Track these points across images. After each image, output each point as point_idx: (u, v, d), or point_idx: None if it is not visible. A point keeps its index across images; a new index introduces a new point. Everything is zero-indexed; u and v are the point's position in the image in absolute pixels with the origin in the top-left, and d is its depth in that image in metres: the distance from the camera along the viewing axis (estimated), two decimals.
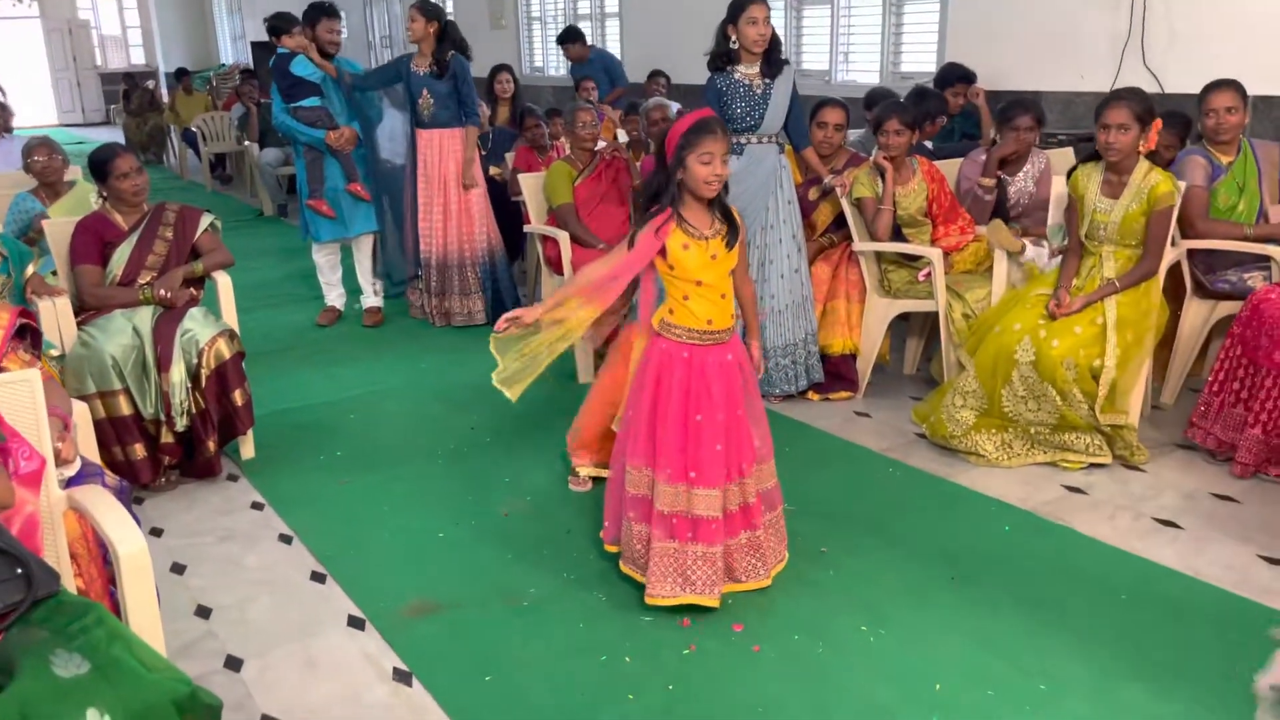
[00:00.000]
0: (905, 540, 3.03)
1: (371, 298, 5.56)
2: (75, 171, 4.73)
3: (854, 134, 4.82)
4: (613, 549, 2.88)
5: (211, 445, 3.43)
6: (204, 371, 3.35)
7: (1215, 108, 3.73)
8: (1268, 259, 3.69)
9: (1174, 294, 3.99)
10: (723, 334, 2.65)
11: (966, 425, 3.51)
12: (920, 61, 6.30)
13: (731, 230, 2.62)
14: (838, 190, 4.12)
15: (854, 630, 2.59)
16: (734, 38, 3.83)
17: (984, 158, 4.25)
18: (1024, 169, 4.27)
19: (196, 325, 3.41)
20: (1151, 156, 3.39)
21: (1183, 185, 3.70)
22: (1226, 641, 2.50)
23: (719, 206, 2.64)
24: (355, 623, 2.71)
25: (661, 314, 2.70)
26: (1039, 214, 4.12)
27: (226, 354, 3.39)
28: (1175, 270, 3.91)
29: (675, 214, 2.58)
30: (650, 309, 2.74)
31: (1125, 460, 3.47)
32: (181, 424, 3.36)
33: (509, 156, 5.94)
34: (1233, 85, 3.72)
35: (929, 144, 4.88)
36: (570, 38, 7.76)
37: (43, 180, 4.38)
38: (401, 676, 2.47)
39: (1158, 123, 3.32)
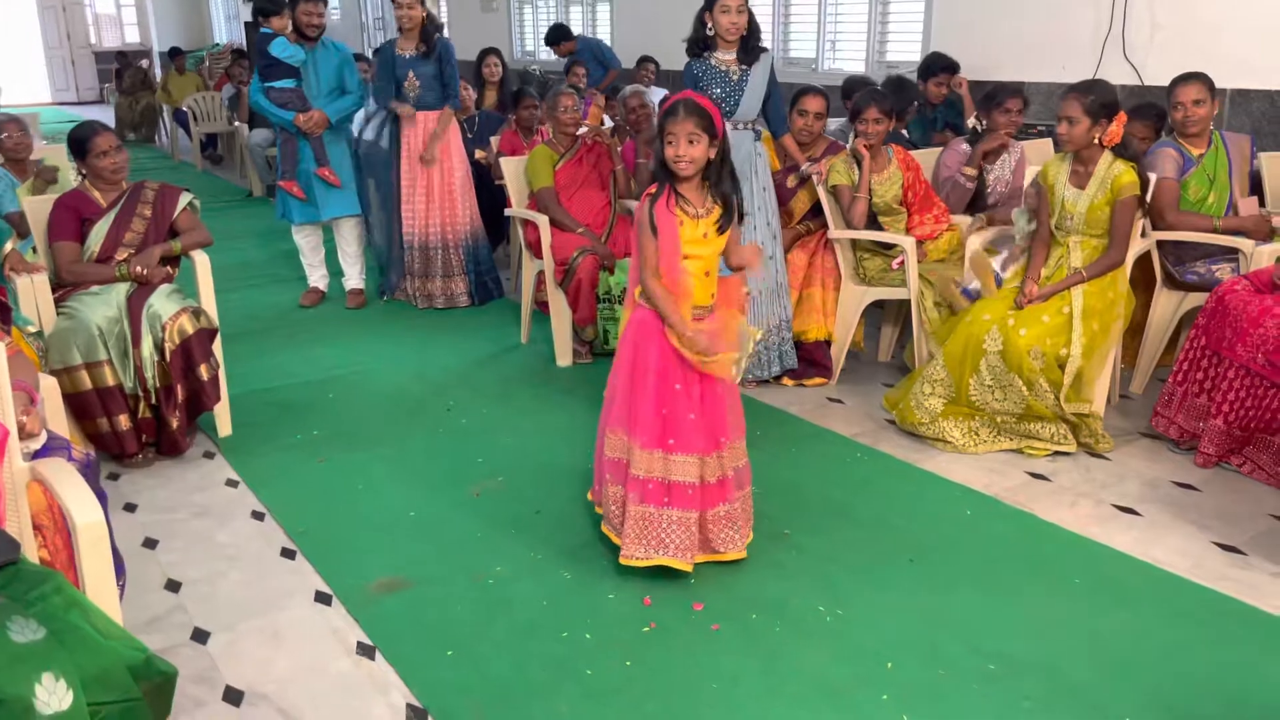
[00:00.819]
0: (867, 523, 3.08)
1: (354, 280, 5.59)
2: (43, 149, 4.77)
3: (834, 123, 4.85)
4: (599, 508, 2.95)
5: (175, 421, 3.46)
6: (168, 346, 3.39)
7: (1183, 100, 3.77)
8: (1236, 251, 3.73)
9: (1145, 284, 4.04)
10: (701, 310, 2.72)
11: (934, 413, 3.56)
12: (905, 51, 6.32)
13: (725, 214, 2.69)
14: (814, 178, 4.15)
15: (812, 610, 2.64)
16: (710, 24, 3.85)
17: (964, 147, 4.28)
18: (1002, 157, 4.30)
19: (159, 301, 3.44)
20: (1124, 148, 3.42)
21: (1153, 177, 3.74)
22: (1178, 628, 2.55)
23: (718, 189, 2.70)
24: (322, 598, 2.75)
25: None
26: (1014, 203, 4.16)
27: (190, 329, 3.42)
28: (1146, 261, 3.96)
29: (672, 190, 2.66)
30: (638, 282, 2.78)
31: (1090, 449, 3.52)
32: (153, 398, 3.40)
33: (494, 140, 5.95)
34: (1200, 78, 3.75)
35: (906, 133, 4.91)
36: (556, 38, 7.83)
37: (12, 157, 4.41)
38: (365, 650, 2.52)
39: (1121, 116, 3.35)
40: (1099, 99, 3.33)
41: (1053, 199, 3.52)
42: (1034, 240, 3.61)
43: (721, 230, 2.69)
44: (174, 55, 12.38)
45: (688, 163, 2.62)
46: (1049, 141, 4.79)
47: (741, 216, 2.75)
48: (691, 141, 2.60)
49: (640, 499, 2.70)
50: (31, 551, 2.08)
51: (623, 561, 2.72)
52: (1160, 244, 3.90)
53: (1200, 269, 3.83)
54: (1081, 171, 3.45)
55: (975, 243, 3.86)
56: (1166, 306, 3.95)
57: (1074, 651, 2.45)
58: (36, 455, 2.22)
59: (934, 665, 2.41)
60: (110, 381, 3.37)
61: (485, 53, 6.86)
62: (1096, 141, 3.37)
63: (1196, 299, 3.80)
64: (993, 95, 4.25)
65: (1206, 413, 3.39)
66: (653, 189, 2.69)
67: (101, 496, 2.17)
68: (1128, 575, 2.80)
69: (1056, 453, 3.49)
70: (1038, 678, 2.36)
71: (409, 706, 2.31)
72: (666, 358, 2.69)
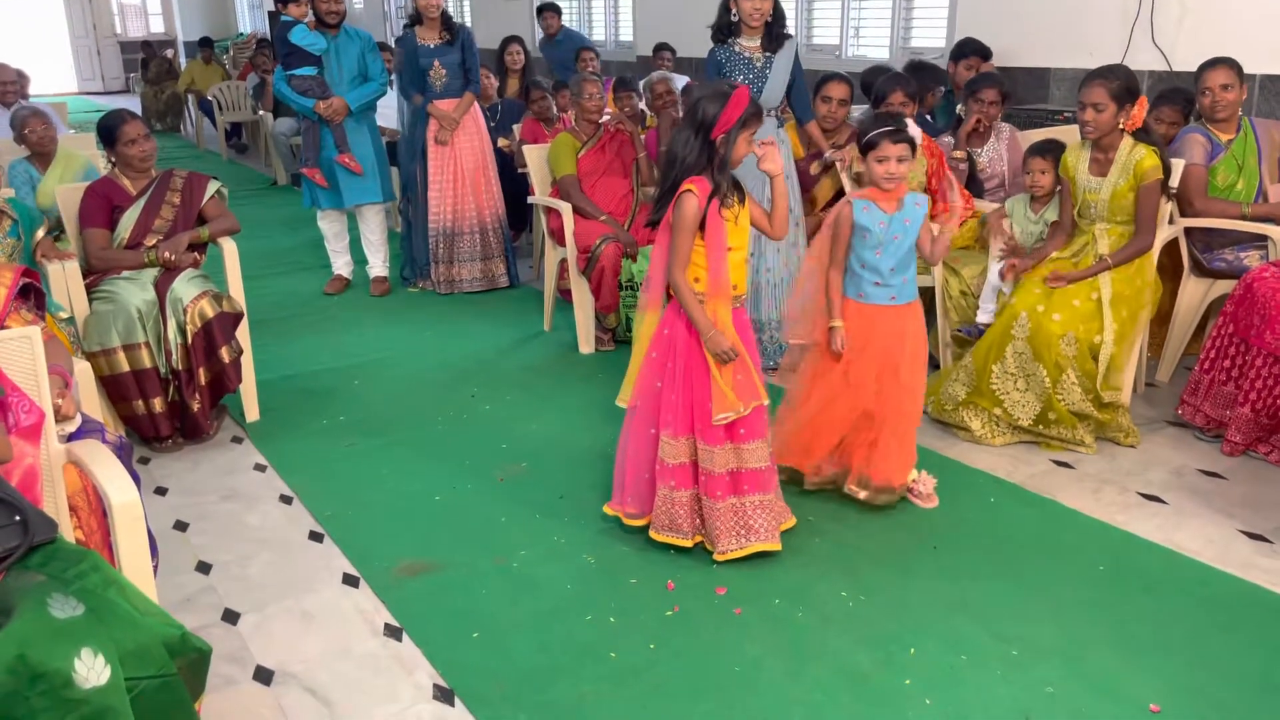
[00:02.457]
0: (890, 510, 3.07)
1: (378, 267, 5.63)
2: (71, 139, 4.83)
3: (858, 110, 4.83)
4: (634, 521, 2.91)
5: (196, 404, 3.51)
6: (190, 329, 3.43)
7: (1210, 86, 3.73)
8: (1265, 238, 3.70)
9: (1172, 272, 4.01)
10: (741, 297, 2.75)
11: (957, 400, 3.55)
12: (930, 37, 6.28)
13: (738, 188, 2.72)
14: (838, 165, 4.14)
15: (835, 596, 2.65)
16: (734, 10, 3.85)
17: (948, 138, 4.33)
18: (989, 141, 4.30)
19: (181, 285, 3.49)
20: (1144, 133, 3.39)
21: (1180, 163, 3.71)
22: (1201, 614, 2.55)
23: (731, 177, 2.71)
24: (350, 580, 2.79)
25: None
26: (1022, 179, 4.18)
27: (210, 313, 3.46)
28: (1173, 248, 3.92)
29: (722, 188, 2.64)
30: (664, 279, 2.76)
31: (1117, 443, 3.49)
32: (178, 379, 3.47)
33: (516, 128, 5.97)
34: (1228, 63, 3.71)
35: (931, 118, 4.89)
36: (547, 8, 7.91)
37: (38, 150, 4.45)
38: (392, 632, 2.55)
39: (1142, 100, 3.32)
40: (1124, 83, 3.31)
41: (1074, 189, 3.50)
42: (1053, 228, 3.60)
43: (742, 201, 2.71)
44: (204, 45, 12.46)
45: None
46: (1075, 128, 4.74)
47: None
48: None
49: (724, 494, 2.73)
50: (67, 532, 2.13)
51: (719, 559, 2.75)
52: (1188, 231, 3.86)
53: (1228, 256, 3.80)
54: (1102, 159, 3.42)
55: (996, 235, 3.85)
56: (1194, 294, 3.92)
57: (1096, 638, 2.45)
58: (72, 438, 2.26)
59: (956, 650, 2.41)
60: (147, 364, 3.43)
61: (508, 40, 6.88)
62: (1120, 127, 3.34)
63: (1224, 286, 3.76)
64: (972, 84, 4.31)
65: (1234, 400, 3.37)
66: (692, 185, 2.60)
67: (135, 479, 2.21)
68: (1152, 562, 2.79)
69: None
70: (1059, 663, 2.36)
71: (435, 687, 2.34)
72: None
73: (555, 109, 5.85)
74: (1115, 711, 2.20)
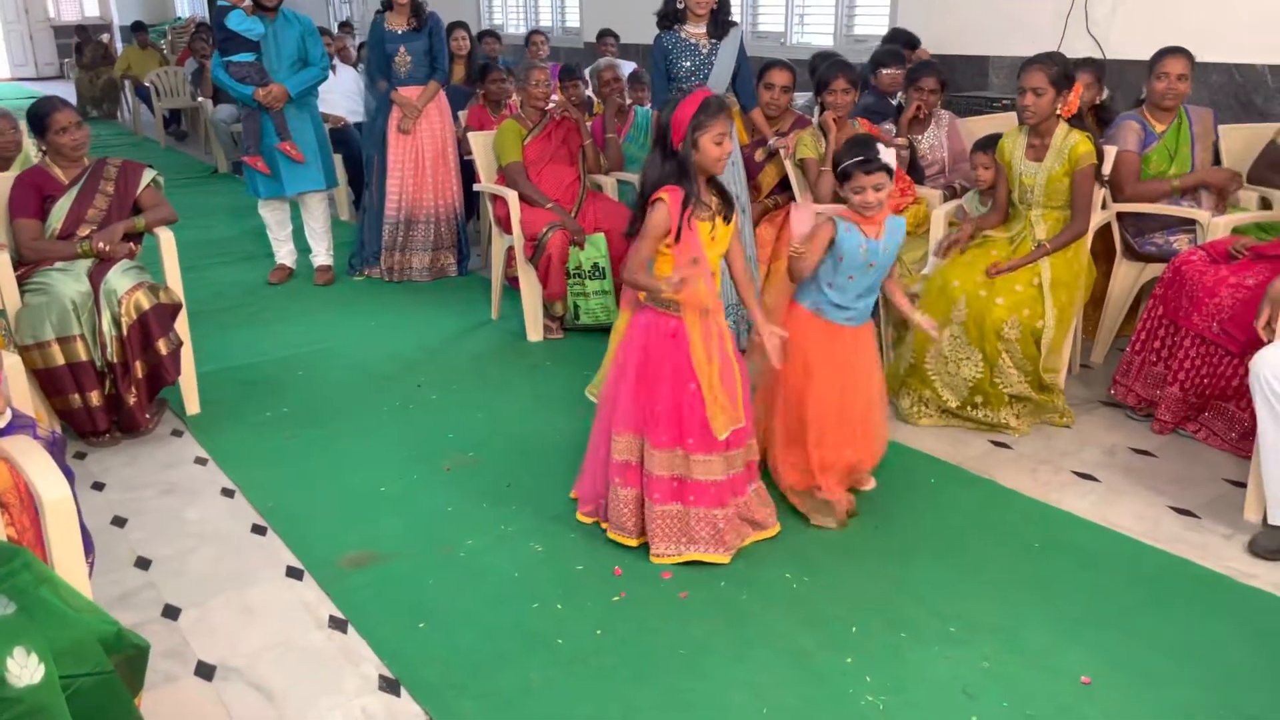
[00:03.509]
0: None
1: (322, 256, 5.56)
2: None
3: (801, 98, 4.87)
4: (588, 519, 2.92)
5: (132, 397, 3.45)
6: (125, 321, 3.37)
7: (1168, 72, 3.78)
8: (1193, 223, 3.80)
9: (1105, 256, 4.10)
10: (709, 311, 2.69)
11: (899, 376, 3.62)
12: (873, 25, 6.34)
13: (727, 205, 2.68)
14: (782, 152, 4.17)
15: (778, 578, 2.68)
16: None
17: (889, 125, 4.37)
18: (929, 128, 4.36)
19: (115, 276, 3.42)
20: (1080, 120, 3.46)
21: (1114, 149, 3.80)
22: (1132, 588, 2.62)
23: (714, 182, 2.69)
24: (294, 573, 2.77)
25: None
26: (962, 165, 4.26)
27: (146, 304, 3.40)
28: (1106, 233, 4.02)
29: (694, 196, 2.60)
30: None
31: (1053, 423, 3.58)
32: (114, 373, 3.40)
33: (462, 115, 5.93)
34: (1185, 53, 3.79)
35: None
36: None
37: (2, 155, 4.14)
38: (337, 624, 2.54)
39: (1078, 86, 3.40)
40: (1062, 69, 3.37)
41: (1011, 174, 3.57)
42: (990, 210, 3.67)
43: (727, 220, 2.67)
44: (137, 30, 12.17)
45: (728, 161, 2.62)
46: (1014, 115, 4.82)
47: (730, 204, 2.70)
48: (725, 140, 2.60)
49: (663, 498, 2.71)
50: None
51: (654, 560, 2.73)
52: (1120, 216, 3.96)
53: (1158, 240, 3.90)
54: (1038, 144, 3.49)
55: (940, 215, 3.90)
56: (1126, 277, 4.02)
57: (1032, 613, 2.52)
58: (2, 433, 2.21)
59: (896, 629, 2.46)
60: (83, 357, 3.35)
61: (453, 26, 6.80)
62: (1056, 112, 3.41)
63: (1155, 270, 3.86)
64: (913, 73, 4.37)
65: (1164, 381, 3.46)
66: (664, 193, 2.58)
67: (69, 474, 2.17)
68: (1086, 539, 2.86)
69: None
70: (996, 639, 2.42)
71: (381, 678, 2.33)
72: (681, 358, 2.67)
73: (512, 93, 5.81)
74: (1049, 684, 2.26)
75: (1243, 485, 3.04)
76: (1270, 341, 2.78)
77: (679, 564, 2.73)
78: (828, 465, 2.96)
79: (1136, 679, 2.27)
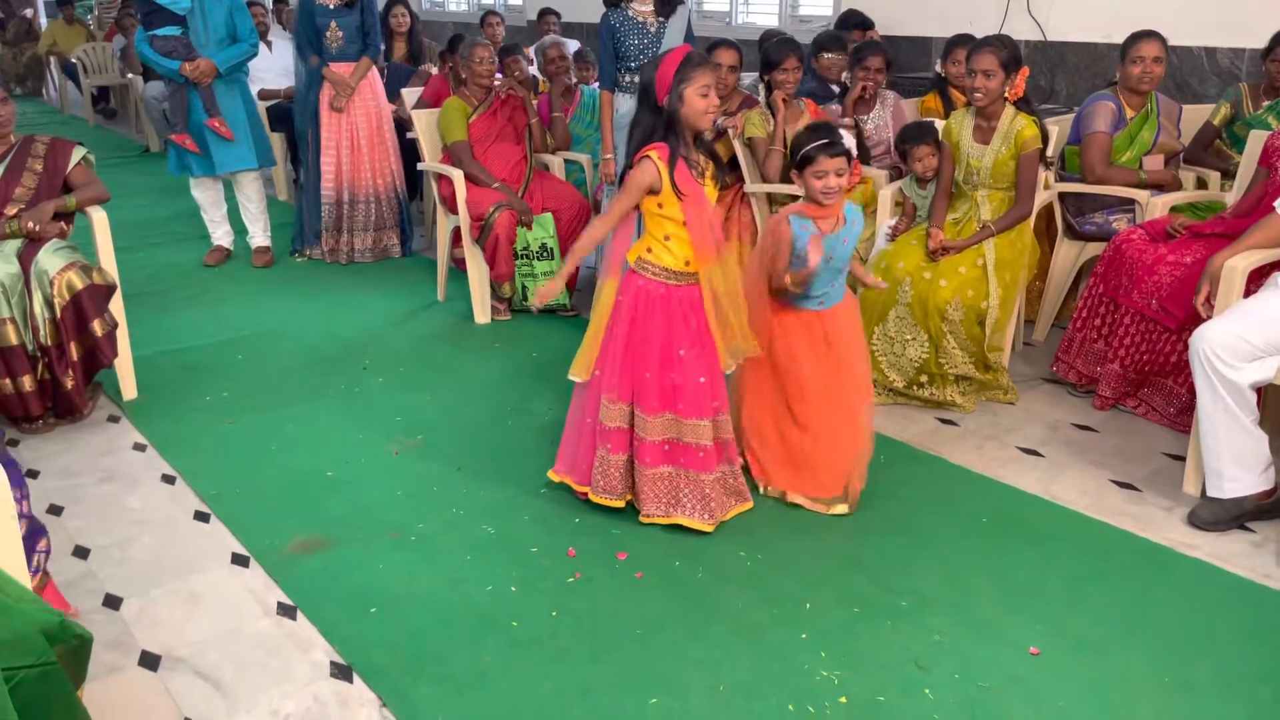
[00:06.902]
0: None
1: (259, 237, 5.43)
2: None
3: (748, 77, 4.86)
4: (560, 478, 2.93)
5: (70, 381, 3.34)
6: (57, 302, 3.25)
7: (1144, 55, 3.79)
8: (1133, 203, 3.87)
9: (1048, 235, 4.17)
10: (696, 275, 2.69)
11: None
12: (818, 5, 6.36)
13: (718, 168, 2.66)
14: (730, 131, 4.16)
15: (733, 556, 2.69)
16: None
17: (835, 106, 4.39)
18: (874, 108, 4.39)
19: (46, 257, 3.29)
20: (1026, 104, 3.49)
21: (1056, 130, 3.85)
22: (1076, 560, 2.68)
23: (705, 144, 2.67)
24: (240, 560, 2.70)
25: (638, 251, 2.72)
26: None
27: (79, 284, 3.28)
28: (1048, 213, 4.08)
29: (680, 153, 2.57)
30: (626, 246, 2.75)
31: (998, 401, 3.63)
32: (48, 356, 3.27)
33: (405, 93, 5.81)
34: (1160, 37, 3.80)
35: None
36: None
37: None
38: (286, 610, 2.49)
39: (1024, 70, 3.44)
40: (1011, 52, 3.41)
41: (958, 155, 3.60)
42: (936, 193, 3.68)
43: (717, 182, 2.66)
44: (62, 4, 11.74)
45: (717, 114, 2.60)
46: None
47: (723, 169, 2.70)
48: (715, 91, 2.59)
49: (654, 461, 2.73)
50: None
51: (643, 520, 2.76)
52: (1061, 196, 4.02)
53: (1098, 219, 3.97)
54: (985, 126, 3.53)
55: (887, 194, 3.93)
56: (1067, 256, 4.09)
57: (981, 587, 2.56)
58: None
59: (849, 604, 2.48)
60: (13, 340, 3.23)
61: (392, 2, 6.67)
62: (1004, 95, 3.45)
63: (1095, 249, 3.93)
64: (858, 52, 4.37)
65: (1104, 357, 3.54)
66: (651, 150, 2.55)
67: (11, 464, 2.10)
68: (1032, 513, 2.92)
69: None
70: (947, 612, 2.45)
71: (332, 664, 2.29)
72: (672, 325, 2.68)
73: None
74: (998, 655, 2.30)
75: (1181, 459, 3.12)
76: (1209, 318, 2.85)
77: (665, 525, 2.76)
78: (819, 459, 2.93)
79: (1083, 649, 2.32)
